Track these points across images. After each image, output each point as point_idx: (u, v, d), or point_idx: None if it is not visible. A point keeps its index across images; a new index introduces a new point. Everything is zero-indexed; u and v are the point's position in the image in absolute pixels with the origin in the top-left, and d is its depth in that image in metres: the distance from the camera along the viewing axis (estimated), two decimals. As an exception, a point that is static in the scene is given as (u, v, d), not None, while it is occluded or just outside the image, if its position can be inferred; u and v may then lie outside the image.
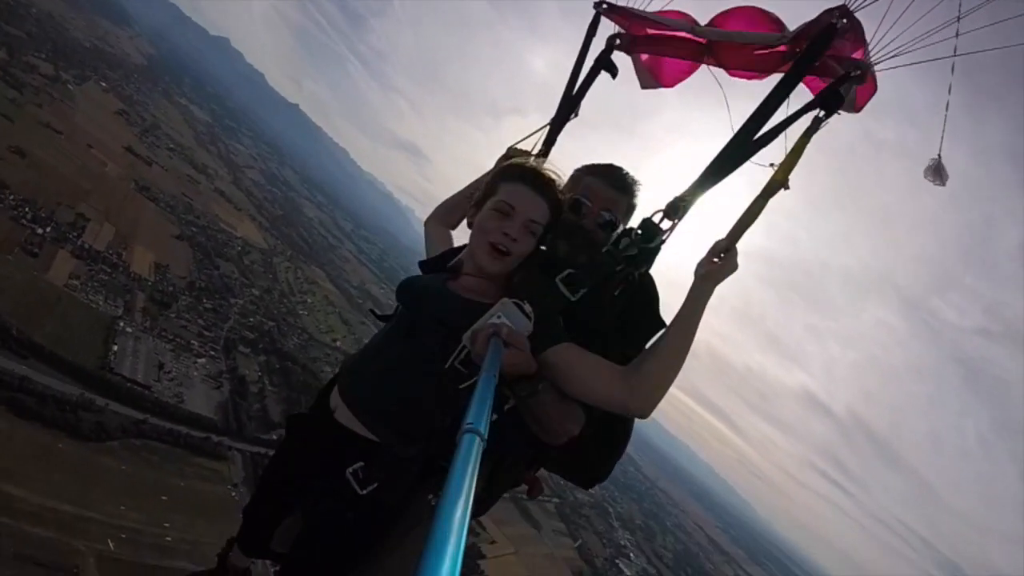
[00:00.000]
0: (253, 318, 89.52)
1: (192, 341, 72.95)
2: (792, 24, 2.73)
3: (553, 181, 2.59)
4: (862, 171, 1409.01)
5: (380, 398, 2.53)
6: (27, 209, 67.06)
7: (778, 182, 2.44)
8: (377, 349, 2.70)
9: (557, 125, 3.52)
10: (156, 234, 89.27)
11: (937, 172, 2.48)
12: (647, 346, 2.48)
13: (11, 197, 66.01)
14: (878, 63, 2.45)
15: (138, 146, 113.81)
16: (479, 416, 1.15)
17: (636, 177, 2.93)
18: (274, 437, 70.66)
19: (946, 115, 2.49)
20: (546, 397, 2.27)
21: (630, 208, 2.88)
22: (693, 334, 2.29)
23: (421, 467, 2.44)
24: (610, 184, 2.85)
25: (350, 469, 2.43)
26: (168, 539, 53.34)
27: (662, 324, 2.59)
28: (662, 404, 2.36)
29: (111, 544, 48.98)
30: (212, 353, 74.45)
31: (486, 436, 1.08)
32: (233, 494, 61.71)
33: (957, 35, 2.27)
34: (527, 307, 2.26)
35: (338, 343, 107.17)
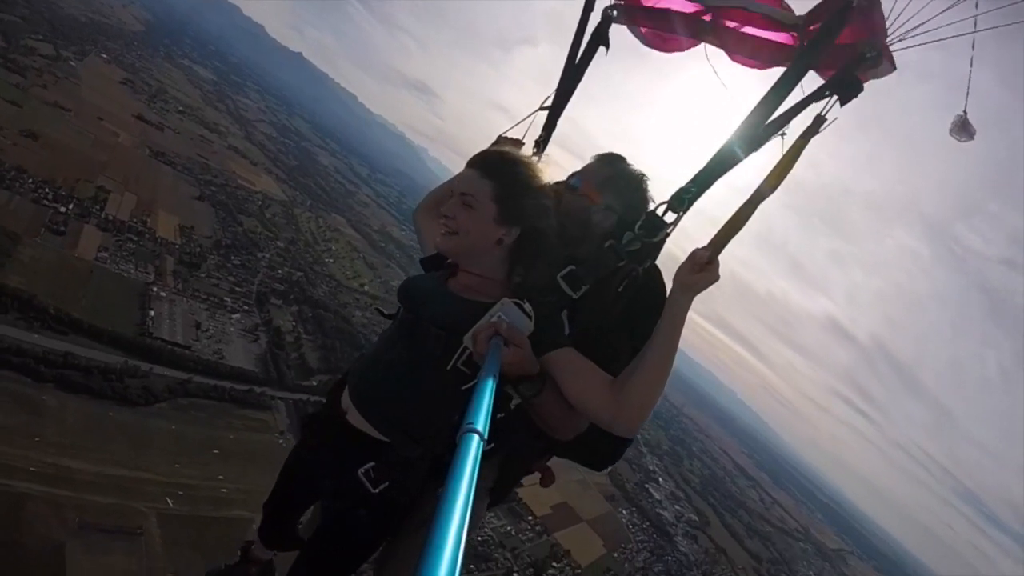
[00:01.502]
0: (281, 270, 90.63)
1: (225, 298, 74.33)
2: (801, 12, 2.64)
3: (497, 158, 2.54)
4: (884, 93, 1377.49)
5: (386, 400, 2.54)
6: (47, 190, 68.17)
7: (768, 190, 2.30)
8: (382, 351, 2.68)
9: (556, 109, 3.37)
10: (177, 197, 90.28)
11: (963, 128, 2.37)
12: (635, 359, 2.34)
13: (30, 180, 67.09)
14: (894, 42, 2.30)
15: (147, 113, 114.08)
16: (479, 416, 1.16)
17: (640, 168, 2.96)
18: (314, 383, 72.98)
19: (970, 72, 2.31)
20: (549, 396, 2.28)
21: (617, 179, 2.89)
22: (675, 347, 2.24)
23: (431, 465, 2.49)
24: (594, 157, 2.97)
25: (362, 469, 2.50)
26: (223, 491, 55.71)
27: None
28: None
29: (170, 502, 51.44)
30: (246, 308, 75.81)
31: (486, 436, 1.08)
32: (280, 441, 63.96)
33: (976, 6, 2.10)
34: (527, 306, 2.28)
35: (365, 287, 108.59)
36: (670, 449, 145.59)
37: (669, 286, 2.39)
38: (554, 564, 77.33)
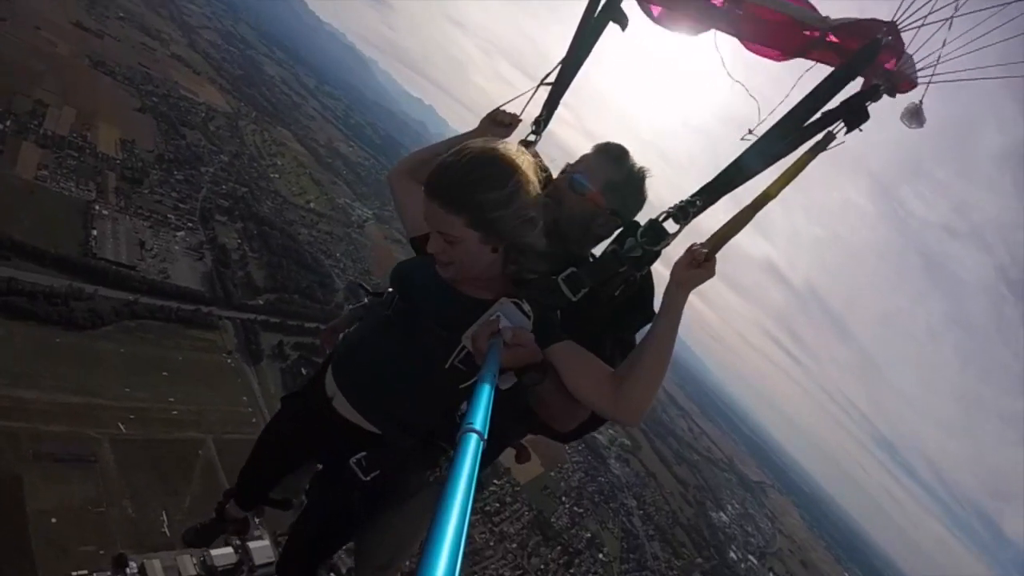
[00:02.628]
0: (226, 185, 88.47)
1: (169, 215, 73.07)
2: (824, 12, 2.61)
3: (456, 187, 2.24)
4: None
5: (380, 394, 2.59)
6: (-19, 105, 64.60)
7: (769, 197, 2.34)
8: (372, 339, 2.69)
9: (560, 86, 3.25)
10: (118, 109, 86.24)
11: (915, 116, 2.39)
12: (638, 342, 2.45)
13: (-36, 96, 63.27)
14: (912, 76, 2.35)
15: (86, 19, 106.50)
16: (479, 416, 1.18)
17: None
18: (261, 302, 73.33)
19: (934, 68, 2.30)
20: (553, 386, 2.32)
21: (625, 183, 2.84)
22: (672, 341, 2.28)
23: (420, 450, 2.61)
24: (596, 152, 2.88)
25: (354, 459, 2.60)
26: (174, 412, 57.14)
27: (653, 313, 2.52)
28: None
29: (122, 427, 52.62)
30: (190, 225, 74.65)
31: (486, 436, 1.11)
32: (228, 361, 64.97)
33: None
34: (526, 306, 2.31)
35: (312, 204, 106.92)
36: None
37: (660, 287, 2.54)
38: (495, 481, 79.81)
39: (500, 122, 3.06)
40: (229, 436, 59.48)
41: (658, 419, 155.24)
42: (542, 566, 71.49)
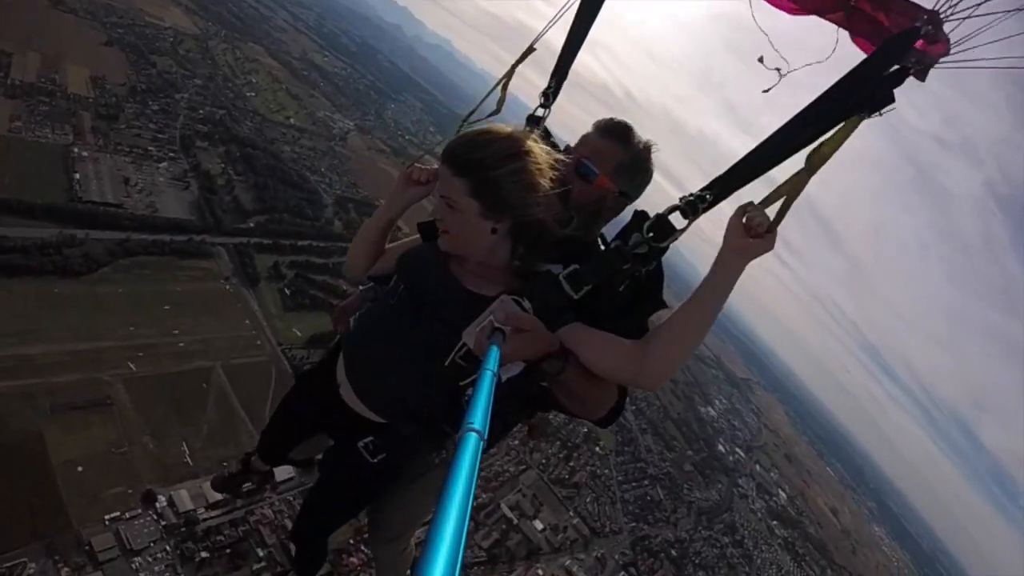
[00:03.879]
0: (202, 110, 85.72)
1: (149, 147, 71.64)
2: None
3: (465, 150, 2.38)
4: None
5: (382, 388, 2.63)
6: (-60, 61, 62.37)
7: (823, 159, 2.21)
8: (378, 333, 2.68)
9: (567, 53, 3.20)
10: (84, 47, 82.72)
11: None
12: (653, 319, 2.43)
13: (-83, 53, 61.03)
14: (942, 61, 2.22)
15: None
16: (479, 415, 1.16)
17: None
18: (251, 224, 73.19)
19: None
20: (575, 372, 2.27)
21: (632, 163, 2.81)
22: (716, 312, 2.15)
23: (425, 432, 2.65)
24: (600, 132, 2.82)
25: (361, 443, 2.71)
26: (181, 345, 58.49)
27: (663, 304, 2.56)
28: None
29: (132, 366, 54.20)
30: (171, 155, 73.26)
31: (487, 435, 1.09)
32: (227, 287, 65.83)
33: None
34: (526, 303, 2.29)
35: (291, 120, 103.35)
36: None
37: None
38: None
39: (416, 180, 2.84)
40: (237, 361, 60.83)
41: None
42: (543, 460, 73.69)
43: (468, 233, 2.41)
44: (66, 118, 67.23)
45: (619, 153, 2.74)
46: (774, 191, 2.15)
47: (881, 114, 2.16)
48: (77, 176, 62.14)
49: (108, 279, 58.02)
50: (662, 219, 2.32)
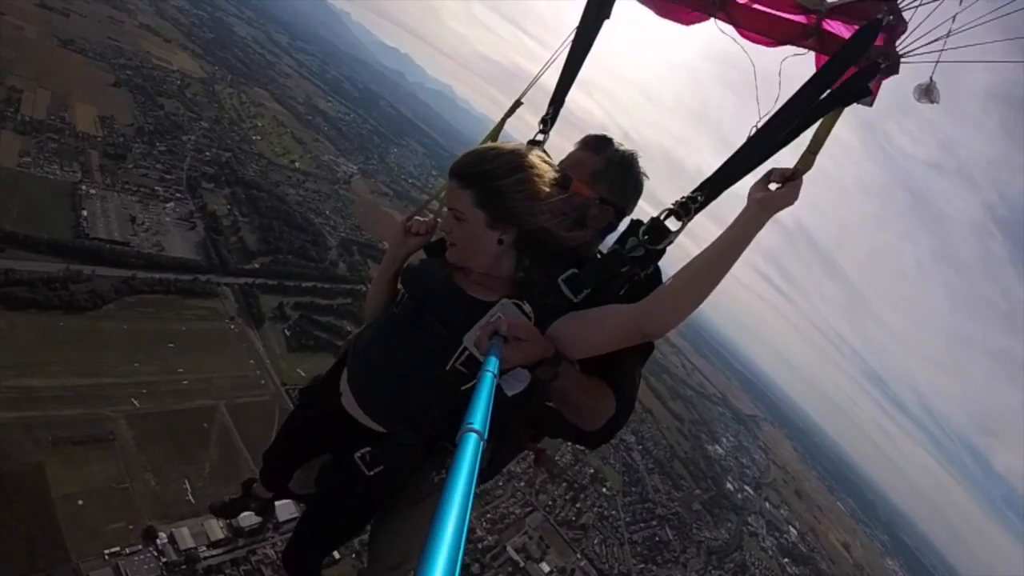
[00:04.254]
0: (209, 152, 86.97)
1: (156, 187, 72.14)
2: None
3: (471, 162, 2.42)
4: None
5: (382, 395, 2.58)
6: (-47, 98, 62.94)
7: (833, 118, 2.28)
8: (382, 339, 2.66)
9: (564, 83, 3.26)
10: (92, 87, 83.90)
11: (927, 92, 2.33)
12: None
13: (-66, 90, 61.54)
14: (909, 55, 2.25)
15: None
16: (479, 416, 1.16)
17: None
18: (256, 265, 73.07)
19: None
20: (568, 381, 2.30)
21: (608, 169, 2.81)
22: (732, 261, 2.13)
23: (426, 448, 2.62)
24: (578, 145, 2.92)
25: (358, 454, 2.65)
26: (185, 383, 57.92)
27: None
28: None
29: (135, 402, 53.46)
30: (178, 195, 73.81)
31: (487, 435, 1.09)
32: (232, 327, 65.47)
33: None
34: (527, 307, 2.30)
35: (296, 164, 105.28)
36: None
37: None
38: None
39: (416, 233, 2.93)
40: (240, 400, 60.33)
41: (651, 356, 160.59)
42: (550, 502, 73.00)
43: (475, 244, 2.43)
44: (74, 155, 67.61)
45: (594, 161, 2.80)
46: (807, 149, 2.23)
47: (871, 105, 2.31)
48: (84, 213, 62.12)
49: (112, 316, 57.60)
50: (656, 222, 2.38)
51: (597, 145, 2.84)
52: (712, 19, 2.90)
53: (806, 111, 2.24)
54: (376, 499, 2.83)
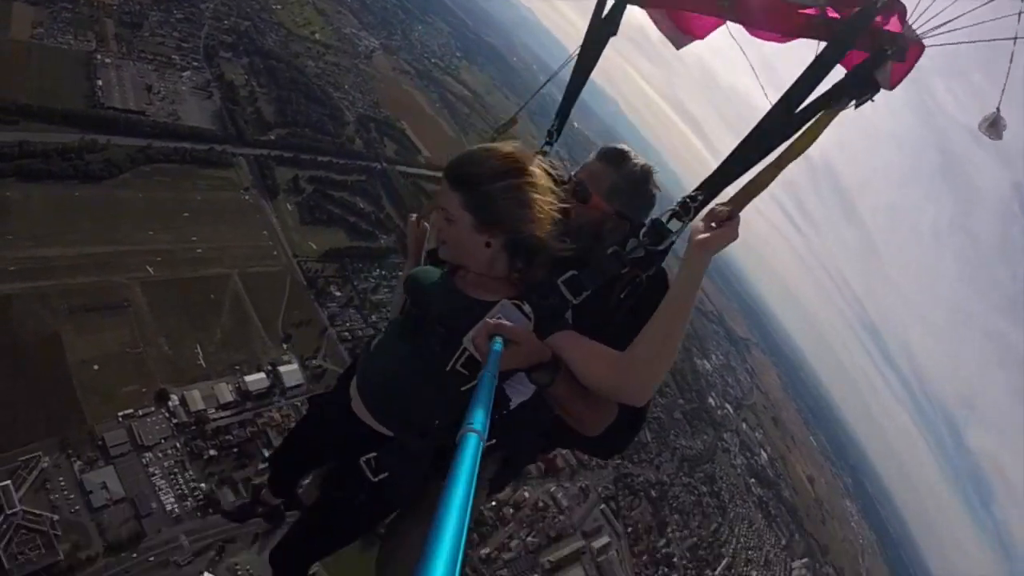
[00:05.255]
0: (227, 20, 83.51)
1: (172, 56, 70.47)
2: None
3: (463, 165, 2.38)
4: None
5: (387, 397, 2.56)
6: (-39, -27, 61.77)
7: (796, 154, 2.28)
8: (387, 345, 2.68)
9: (570, 95, 3.32)
10: None
11: (994, 125, 2.24)
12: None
13: (-61, -34, 60.82)
14: (920, 37, 2.21)
15: None
16: (479, 416, 1.16)
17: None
18: (272, 137, 72.12)
19: (1009, 68, 2.13)
20: (564, 387, 2.23)
21: (625, 184, 2.75)
22: (688, 309, 2.15)
23: (433, 458, 2.53)
24: (596, 157, 2.84)
25: (364, 458, 2.56)
26: (199, 251, 58.54)
27: None
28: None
29: (150, 270, 54.52)
30: (195, 64, 72.13)
31: (486, 435, 1.08)
32: (246, 197, 65.81)
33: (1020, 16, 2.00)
34: (527, 307, 2.26)
35: (316, 35, 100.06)
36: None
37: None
38: None
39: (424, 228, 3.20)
40: (253, 270, 60.61)
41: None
42: None
43: (464, 245, 2.38)
44: (89, 25, 66.04)
45: (612, 175, 2.73)
46: (740, 189, 2.24)
47: (873, 100, 2.26)
48: (99, 83, 61.48)
49: (128, 184, 57.91)
50: (657, 223, 2.36)
51: (616, 159, 2.78)
52: (724, 23, 2.94)
53: (807, 103, 2.25)
54: (377, 508, 2.80)
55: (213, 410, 51.40)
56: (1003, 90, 2.11)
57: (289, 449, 3.51)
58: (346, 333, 61.92)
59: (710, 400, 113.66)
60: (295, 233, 66.47)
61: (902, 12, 2.18)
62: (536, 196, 2.31)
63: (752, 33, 2.82)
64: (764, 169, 2.25)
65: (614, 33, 3.13)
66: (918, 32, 2.16)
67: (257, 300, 58.40)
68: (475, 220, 2.32)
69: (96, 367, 47.02)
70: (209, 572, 44.35)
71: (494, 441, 2.23)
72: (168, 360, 51.35)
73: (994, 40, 2.02)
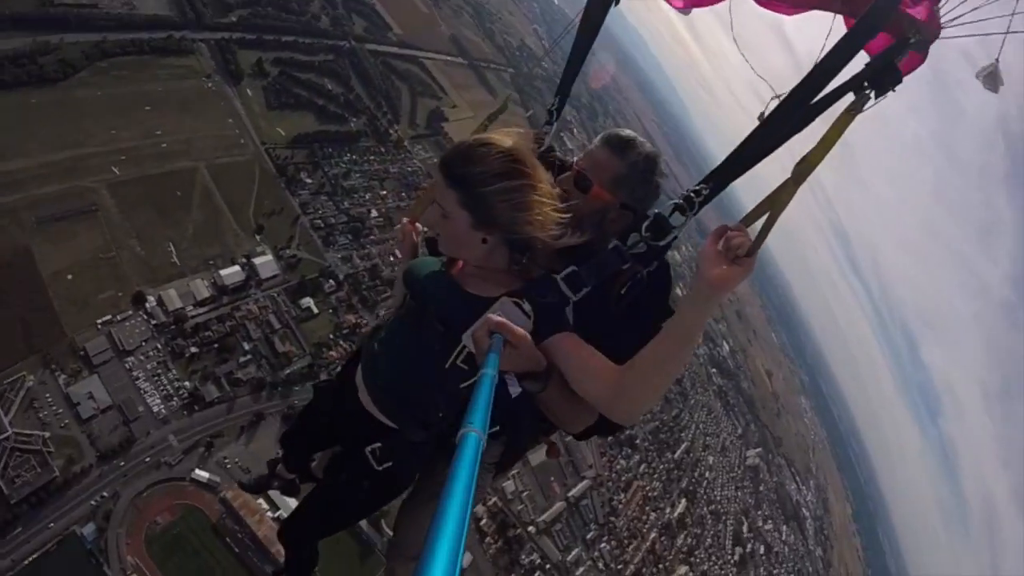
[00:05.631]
0: None
1: (120, -62, 66.58)
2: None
3: (460, 161, 2.26)
4: None
5: (390, 390, 2.54)
6: None
7: (812, 166, 1.99)
8: (389, 339, 2.62)
9: (570, 70, 3.21)
10: None
11: (991, 78, 2.11)
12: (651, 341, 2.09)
13: None
14: (945, 27, 2.04)
15: None
16: (479, 415, 1.15)
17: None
18: (234, 19, 68.79)
19: (1010, 21, 1.90)
20: (555, 393, 2.20)
21: (631, 174, 2.63)
22: (690, 347, 1.97)
23: (435, 445, 2.57)
24: (600, 144, 2.71)
25: (368, 448, 2.58)
26: (164, 145, 57.48)
27: (671, 312, 2.28)
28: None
29: (116, 170, 53.23)
30: (145, -55, 68.24)
31: (486, 435, 1.08)
32: (209, 85, 64.54)
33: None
34: (526, 305, 2.16)
35: None
36: (588, 103, 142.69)
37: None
38: None
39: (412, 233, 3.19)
40: (221, 160, 59.45)
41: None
42: None
43: (460, 241, 2.32)
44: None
45: (617, 164, 2.60)
46: (757, 206, 2.04)
47: (895, 90, 2.06)
48: (46, -22, 57.85)
49: (86, 83, 56.28)
50: (660, 217, 2.24)
51: (621, 147, 2.64)
52: None
53: (824, 92, 2.06)
54: (380, 494, 2.82)
55: (191, 307, 51.09)
56: (1003, 41, 1.93)
57: (298, 433, 3.54)
58: (319, 221, 60.42)
59: (677, 290, 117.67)
60: (262, 119, 64.72)
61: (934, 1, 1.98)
62: (536, 199, 2.21)
63: (759, 3, 2.64)
64: (781, 186, 1.98)
65: (616, 2, 3.04)
66: (945, 22, 1.98)
67: (227, 192, 57.43)
68: (472, 218, 2.24)
69: (70, 277, 47.12)
70: (200, 469, 44.54)
71: (497, 428, 2.44)
72: (142, 261, 50.69)
73: (1004, 34, 1.88)
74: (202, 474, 44.89)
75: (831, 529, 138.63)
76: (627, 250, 2.27)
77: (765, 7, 2.64)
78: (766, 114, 2.14)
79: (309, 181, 63.98)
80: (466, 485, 0.83)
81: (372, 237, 66.15)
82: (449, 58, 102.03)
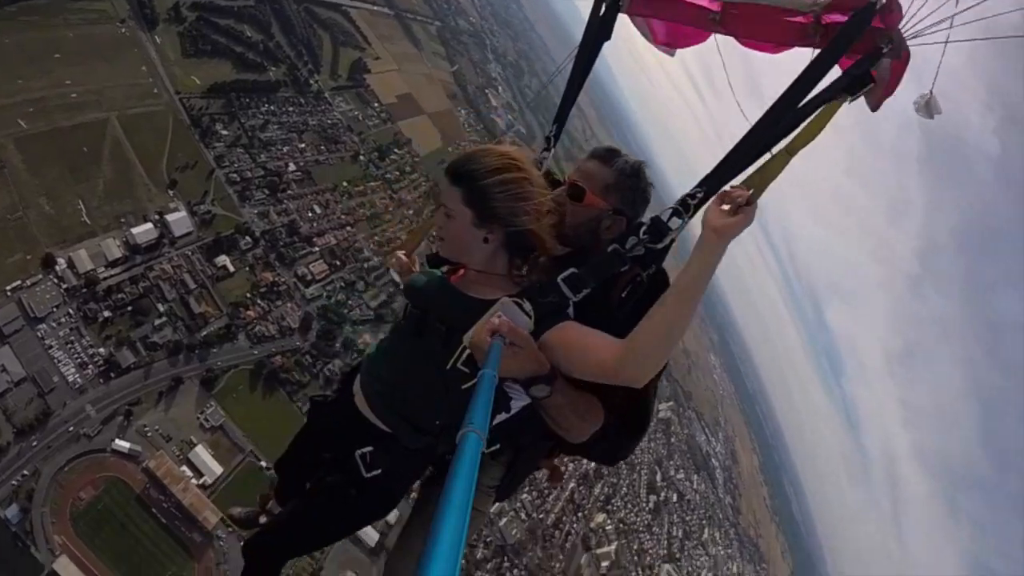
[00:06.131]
0: None
1: None
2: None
3: (463, 162, 2.39)
4: None
5: (389, 395, 2.54)
6: None
7: (805, 141, 2.23)
8: (390, 346, 2.68)
9: (567, 100, 3.36)
10: None
11: (928, 107, 2.28)
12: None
13: None
14: (914, 38, 2.18)
15: None
16: (479, 415, 1.16)
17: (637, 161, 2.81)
18: None
19: (942, 56, 2.20)
20: (560, 399, 2.19)
21: (620, 181, 2.71)
22: (697, 299, 2.02)
23: (433, 462, 2.65)
24: (588, 156, 2.82)
25: (359, 452, 2.55)
26: (74, 96, 55.76)
27: None
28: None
29: (22, 123, 50.89)
30: None
31: (486, 435, 1.08)
32: (122, 30, 62.51)
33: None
34: (527, 306, 2.16)
35: None
36: (515, 60, 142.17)
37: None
38: (396, 151, 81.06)
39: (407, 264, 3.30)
40: (133, 111, 57.17)
41: (551, 104, 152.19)
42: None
43: (462, 240, 2.40)
44: None
45: (605, 172, 2.71)
46: (754, 172, 2.20)
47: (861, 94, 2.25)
48: (-56, -85, 54.00)
49: None
50: (657, 220, 2.31)
51: (606, 156, 2.78)
52: (712, 35, 2.94)
53: (806, 100, 2.25)
54: (365, 507, 2.75)
55: (102, 269, 49.78)
56: (936, 73, 2.14)
57: (294, 455, 3.42)
58: (234, 175, 58.75)
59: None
60: (177, 67, 62.53)
61: (898, 13, 2.13)
62: (531, 190, 2.33)
63: (743, 44, 2.79)
64: (776, 155, 2.20)
65: (608, 38, 3.15)
66: (912, 32, 2.13)
67: (139, 144, 56.21)
68: (474, 215, 2.33)
69: (-25, 240, 44.57)
70: (120, 439, 43.79)
71: (497, 446, 2.53)
72: (51, 220, 49.14)
73: (993, 38, 2.11)
74: (123, 444, 44.91)
75: (739, 478, 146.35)
76: (626, 252, 2.28)
77: (748, 47, 2.77)
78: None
79: (225, 133, 62.09)
80: (466, 486, 0.82)
81: (290, 192, 65.08)
82: (375, 8, 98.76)
